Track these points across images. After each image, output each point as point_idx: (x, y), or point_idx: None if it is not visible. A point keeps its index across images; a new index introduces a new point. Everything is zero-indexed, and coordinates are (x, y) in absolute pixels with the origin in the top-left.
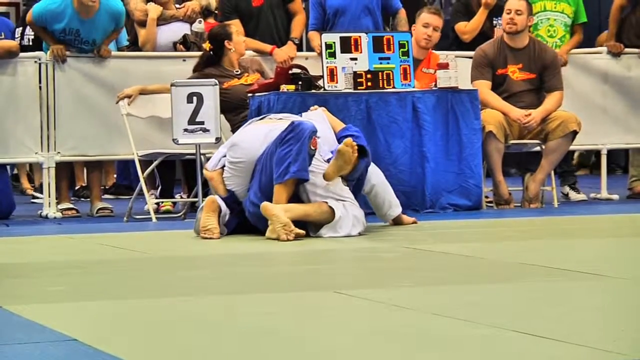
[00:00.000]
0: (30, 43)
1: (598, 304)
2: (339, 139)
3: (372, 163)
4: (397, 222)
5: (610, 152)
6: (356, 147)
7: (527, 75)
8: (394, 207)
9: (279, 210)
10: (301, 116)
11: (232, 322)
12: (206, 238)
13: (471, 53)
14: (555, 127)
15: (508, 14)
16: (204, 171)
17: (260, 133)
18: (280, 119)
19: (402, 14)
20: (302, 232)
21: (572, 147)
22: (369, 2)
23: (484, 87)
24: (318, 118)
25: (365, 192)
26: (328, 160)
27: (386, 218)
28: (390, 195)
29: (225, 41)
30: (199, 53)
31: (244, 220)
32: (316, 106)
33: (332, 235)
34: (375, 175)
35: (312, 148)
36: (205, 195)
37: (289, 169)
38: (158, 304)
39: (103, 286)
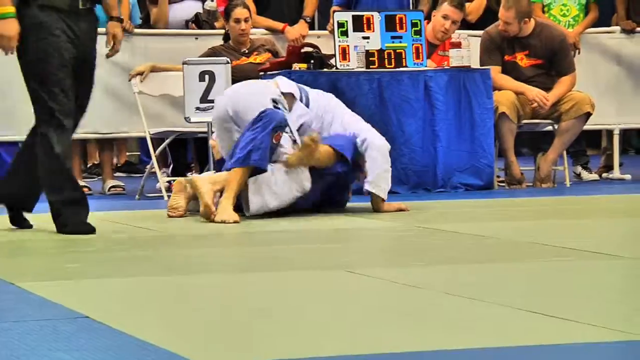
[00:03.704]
0: None
1: (610, 283)
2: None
3: (383, 150)
4: (376, 207)
5: (624, 133)
6: (317, 145)
7: (535, 61)
8: (373, 184)
9: (207, 188)
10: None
11: (242, 300)
12: (172, 216)
13: (481, 32)
14: (569, 108)
15: (502, 20)
16: (210, 140)
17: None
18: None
19: None
20: (228, 217)
21: (585, 127)
22: None
23: (495, 71)
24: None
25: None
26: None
27: (364, 188)
28: (379, 172)
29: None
30: (212, 31)
31: None
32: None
33: (262, 207)
34: (376, 151)
35: (274, 142)
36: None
37: (251, 156)
38: (169, 282)
39: (114, 263)
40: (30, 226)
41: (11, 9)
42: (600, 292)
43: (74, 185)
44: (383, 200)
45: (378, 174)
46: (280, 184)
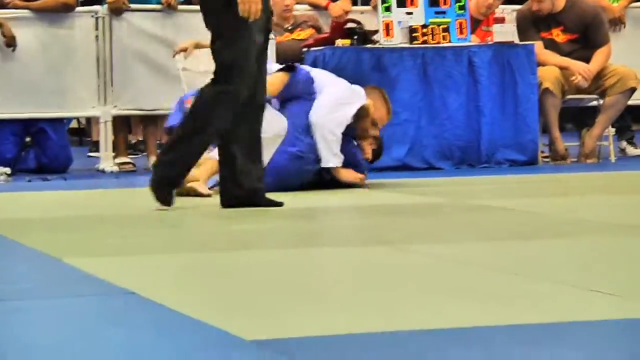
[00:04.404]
0: None
1: None
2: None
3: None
4: (337, 177)
5: None
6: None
7: (571, 36)
8: (324, 161)
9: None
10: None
11: (289, 277)
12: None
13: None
14: (614, 83)
15: (533, 0)
16: None
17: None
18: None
19: None
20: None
21: (629, 102)
22: None
23: (539, 47)
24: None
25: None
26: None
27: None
28: (321, 147)
29: None
30: None
31: None
32: None
33: None
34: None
35: None
36: None
37: None
38: (215, 258)
39: (160, 240)
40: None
41: None
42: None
43: None
44: (337, 168)
45: (321, 149)
46: None
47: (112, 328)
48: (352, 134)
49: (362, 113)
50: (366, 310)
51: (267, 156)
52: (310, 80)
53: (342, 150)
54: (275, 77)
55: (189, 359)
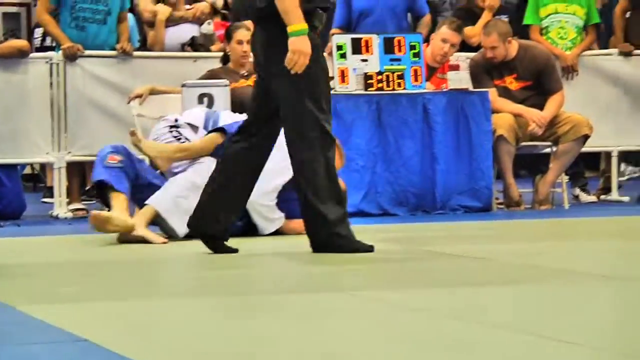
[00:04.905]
0: (54, 44)
1: (608, 306)
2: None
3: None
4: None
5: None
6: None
7: (524, 83)
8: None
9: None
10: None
11: (240, 325)
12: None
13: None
14: (567, 131)
15: (486, 47)
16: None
17: None
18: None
19: (427, 19)
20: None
21: (583, 150)
22: (395, 6)
23: (493, 94)
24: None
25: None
26: None
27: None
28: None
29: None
30: (210, 54)
31: None
32: None
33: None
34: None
35: (113, 162)
36: None
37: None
38: (168, 305)
39: (114, 286)
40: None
41: (306, 26)
42: (595, 314)
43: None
44: (282, 226)
45: (255, 219)
46: (187, 190)
47: None
48: None
49: None
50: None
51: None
52: None
53: (288, 204)
54: (209, 138)
55: None
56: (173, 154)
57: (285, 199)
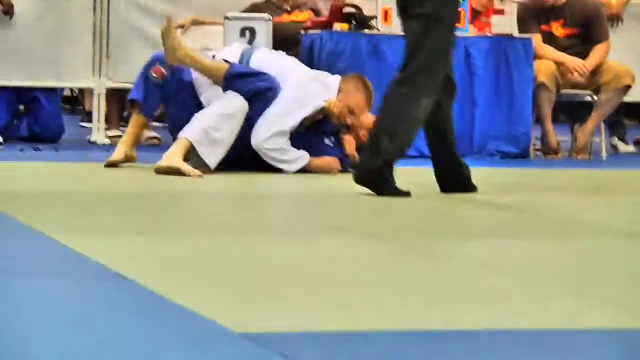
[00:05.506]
0: None
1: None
2: None
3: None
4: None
5: None
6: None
7: (571, 30)
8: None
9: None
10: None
11: (286, 267)
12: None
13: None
14: (609, 80)
15: None
16: None
17: None
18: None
19: None
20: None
21: (624, 100)
22: None
23: (537, 40)
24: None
25: None
26: None
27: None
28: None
29: None
30: None
31: None
32: None
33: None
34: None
35: (155, 76)
36: None
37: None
38: (214, 244)
39: (151, 220)
40: None
41: None
42: (621, 273)
43: None
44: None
45: (277, 164)
46: (217, 122)
47: (97, 313)
48: (328, 130)
49: (325, 113)
50: (360, 307)
51: (227, 132)
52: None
53: (311, 149)
54: (220, 64)
55: (171, 349)
56: (184, 57)
57: (307, 143)
